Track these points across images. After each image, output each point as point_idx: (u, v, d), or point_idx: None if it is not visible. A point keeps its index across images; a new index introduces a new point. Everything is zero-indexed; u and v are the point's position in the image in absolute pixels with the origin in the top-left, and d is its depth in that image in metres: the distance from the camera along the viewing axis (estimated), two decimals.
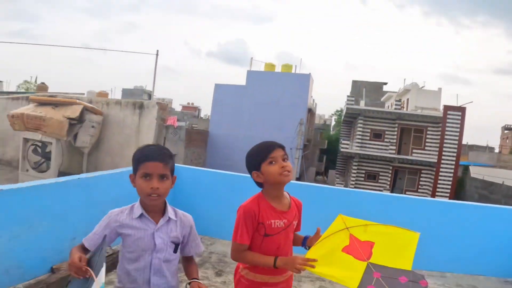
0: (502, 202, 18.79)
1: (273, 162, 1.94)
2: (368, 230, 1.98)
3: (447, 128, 24.95)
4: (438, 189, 25.02)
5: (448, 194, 24.42)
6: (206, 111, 52.34)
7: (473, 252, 4.67)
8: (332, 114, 59.04)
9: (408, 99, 32.40)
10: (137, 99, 8.47)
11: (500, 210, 4.96)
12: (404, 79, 39.48)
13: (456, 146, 25.03)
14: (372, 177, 27.72)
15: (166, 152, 1.77)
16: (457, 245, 4.68)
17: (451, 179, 25.07)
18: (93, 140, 7.68)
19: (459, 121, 24.83)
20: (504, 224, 4.72)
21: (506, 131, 56.10)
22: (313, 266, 1.85)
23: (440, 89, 32.44)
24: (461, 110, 25.26)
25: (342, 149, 28.69)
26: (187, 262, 1.96)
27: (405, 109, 30.67)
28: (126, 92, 28.66)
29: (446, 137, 25.02)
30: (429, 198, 5.92)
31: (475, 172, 27.46)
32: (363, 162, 27.61)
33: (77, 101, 7.58)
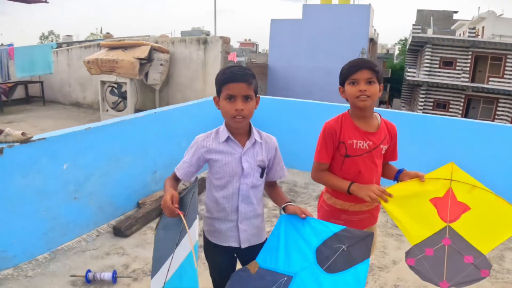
0: None
1: (355, 83, 1.79)
2: (473, 193, 1.69)
3: None
4: None
5: None
6: (263, 46, 51.45)
7: None
8: (396, 44, 55.54)
9: (483, 27, 29.59)
10: None
11: None
12: (479, 7, 36.51)
13: None
14: (441, 106, 26.13)
15: (249, 72, 1.64)
16: None
17: None
18: (163, 77, 7.97)
19: None
20: None
21: None
22: (386, 200, 1.70)
23: None
24: None
25: (408, 78, 27.21)
26: (272, 188, 1.86)
27: (480, 37, 27.97)
28: (185, 34, 28.80)
29: None
30: None
31: None
32: (432, 91, 26.07)
33: (144, 42, 7.81)
